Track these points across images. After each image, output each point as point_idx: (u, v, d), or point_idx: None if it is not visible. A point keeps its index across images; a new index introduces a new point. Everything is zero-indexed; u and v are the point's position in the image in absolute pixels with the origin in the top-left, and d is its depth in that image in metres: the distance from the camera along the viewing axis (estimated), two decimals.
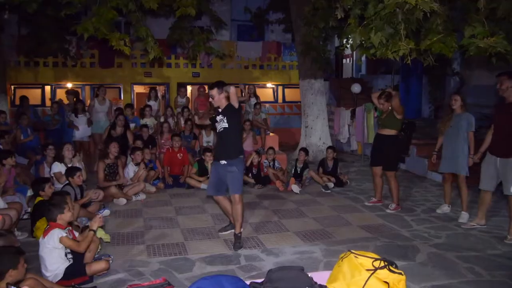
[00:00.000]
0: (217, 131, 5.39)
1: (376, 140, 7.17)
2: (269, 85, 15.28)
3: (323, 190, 8.23)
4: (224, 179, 5.37)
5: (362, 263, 2.65)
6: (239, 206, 5.36)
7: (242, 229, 5.52)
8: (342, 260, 2.75)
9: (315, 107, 11.13)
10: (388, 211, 6.90)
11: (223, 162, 5.28)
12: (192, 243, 5.53)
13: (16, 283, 3.23)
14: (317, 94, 11.12)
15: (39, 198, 5.53)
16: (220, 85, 5.27)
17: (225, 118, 5.24)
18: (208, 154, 8.51)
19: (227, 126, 5.24)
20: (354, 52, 16.81)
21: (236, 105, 5.18)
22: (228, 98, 5.20)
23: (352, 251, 2.77)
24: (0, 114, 9.10)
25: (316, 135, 11.18)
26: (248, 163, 8.56)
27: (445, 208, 6.77)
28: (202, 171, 8.54)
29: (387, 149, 6.88)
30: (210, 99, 5.36)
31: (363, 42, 5.92)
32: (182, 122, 10.04)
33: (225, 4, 15.14)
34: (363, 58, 15.87)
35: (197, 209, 7.12)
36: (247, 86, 12.64)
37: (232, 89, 5.11)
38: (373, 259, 2.66)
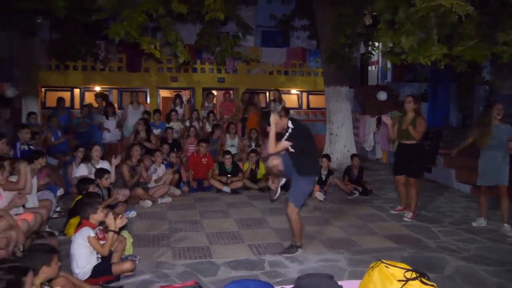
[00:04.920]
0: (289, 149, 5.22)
1: (399, 149, 7.08)
2: (293, 91, 15.26)
3: (349, 197, 8.17)
4: (290, 171, 5.24)
5: (393, 274, 2.61)
6: (293, 220, 5.28)
7: (299, 242, 5.41)
8: (372, 270, 2.71)
9: (340, 114, 11.06)
10: (405, 219, 6.80)
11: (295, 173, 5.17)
12: (217, 247, 5.55)
13: (49, 280, 3.30)
14: (342, 101, 11.05)
15: (79, 197, 5.63)
16: (265, 120, 5.08)
17: (292, 141, 5.09)
18: (228, 156, 8.79)
19: (293, 151, 5.14)
20: (380, 59, 16.69)
21: (281, 130, 5.05)
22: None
23: (382, 260, 2.73)
24: (31, 115, 9.35)
25: (340, 143, 11.10)
26: None
27: (482, 221, 6.57)
28: (223, 173, 8.72)
29: (409, 157, 6.78)
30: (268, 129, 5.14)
31: (393, 48, 5.87)
32: (208, 126, 10.13)
33: (250, 10, 15.21)
34: (390, 65, 15.77)
35: (221, 213, 7.15)
36: (271, 92, 12.67)
37: (272, 118, 4.97)
38: (405, 270, 2.62)
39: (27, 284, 2.57)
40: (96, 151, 7.17)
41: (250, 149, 9.39)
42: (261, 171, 8.90)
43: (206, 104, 11.57)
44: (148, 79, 14.05)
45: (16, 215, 4.87)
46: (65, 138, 9.30)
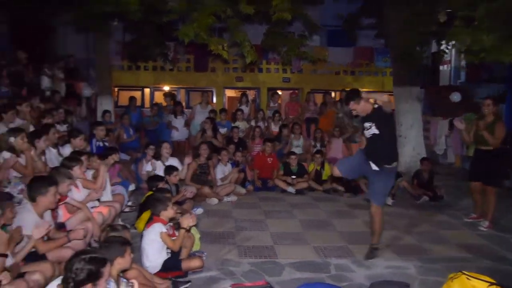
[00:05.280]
0: (367, 136, 5.07)
1: (477, 154, 6.66)
2: (361, 91, 14.89)
3: (417, 201, 7.85)
4: (363, 171, 5.18)
5: (475, 286, 2.45)
6: (377, 219, 5.18)
7: (379, 242, 5.32)
8: (452, 281, 2.57)
9: (409, 115, 10.62)
10: (481, 228, 6.40)
11: (374, 167, 5.00)
12: (281, 248, 5.54)
13: (123, 271, 3.43)
14: (412, 102, 10.60)
15: (150, 193, 5.84)
16: (353, 97, 4.97)
17: (374, 124, 4.93)
18: (293, 157, 8.75)
19: (377, 132, 4.92)
20: (453, 58, 15.85)
21: (387, 110, 4.91)
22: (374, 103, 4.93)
23: (463, 272, 2.57)
24: (105, 114, 9.83)
25: (409, 145, 10.65)
26: None
27: None
28: (287, 174, 8.69)
29: (488, 163, 6.35)
30: (354, 112, 5.10)
31: (471, 46, 5.53)
32: (273, 126, 10.15)
33: (315, 10, 15.00)
34: (464, 64, 14.89)
35: (286, 213, 7.12)
36: (338, 93, 12.41)
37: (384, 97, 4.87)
38: (489, 283, 2.45)
39: (105, 274, 2.67)
40: (166, 148, 7.39)
41: (315, 149, 9.28)
42: (326, 172, 8.76)
43: (272, 104, 11.60)
44: (215, 79, 14.34)
45: (92, 208, 5.11)
46: (136, 136, 9.69)
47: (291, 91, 12.52)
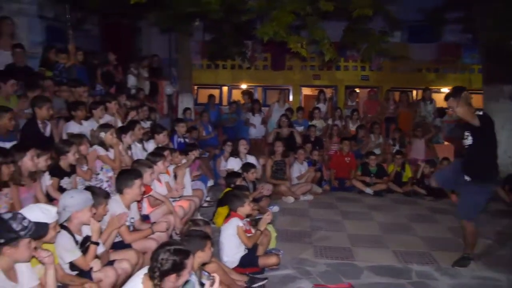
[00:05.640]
0: (465, 145, 4.75)
1: None
2: (444, 89, 14.11)
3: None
4: (458, 181, 4.86)
5: None
6: (468, 232, 4.88)
7: (472, 253, 5.01)
8: None
9: (500, 115, 9.84)
10: None
11: (467, 178, 4.72)
12: (359, 250, 5.40)
13: (202, 265, 3.52)
14: (504, 101, 9.85)
15: (228, 189, 5.97)
16: (454, 93, 4.56)
17: (470, 133, 4.61)
18: (372, 157, 8.55)
19: (471, 143, 4.62)
20: None
21: (475, 122, 4.40)
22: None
23: None
24: (186, 111, 10.18)
25: (500, 147, 9.87)
26: (419, 174, 8.15)
27: None
28: (366, 174, 8.48)
29: None
30: (449, 111, 4.66)
31: None
32: (351, 125, 9.93)
33: (396, 4, 14.38)
34: None
35: (364, 215, 6.93)
36: (420, 91, 11.76)
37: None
38: None
39: (188, 266, 2.75)
40: (243, 145, 7.48)
41: (395, 150, 8.94)
42: (407, 173, 8.42)
43: (349, 103, 11.35)
44: (292, 77, 14.32)
45: (173, 201, 5.30)
46: (214, 133, 9.93)
47: (369, 89, 12.17)
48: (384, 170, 8.59)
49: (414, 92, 14.07)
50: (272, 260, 4.62)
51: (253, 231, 4.67)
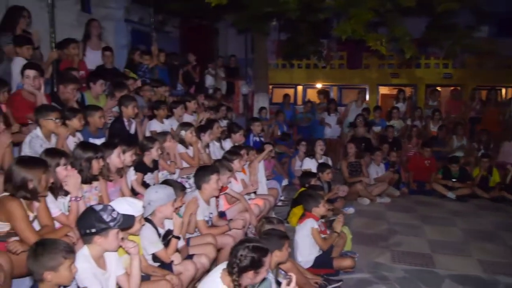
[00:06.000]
0: None
1: None
2: None
3: None
4: None
5: None
6: None
7: None
8: None
9: None
10: None
11: None
12: (440, 257, 5.15)
13: (278, 264, 3.54)
14: None
15: (302, 189, 5.97)
16: None
17: None
18: (455, 165, 8.07)
19: None
20: None
21: None
22: None
23: None
24: (261, 110, 10.29)
25: None
26: (509, 179, 7.66)
27: None
28: (447, 178, 8.05)
29: None
30: None
31: None
32: (431, 125, 9.48)
33: None
34: None
35: (445, 220, 6.59)
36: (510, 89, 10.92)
37: None
38: None
39: (266, 263, 2.77)
40: (320, 145, 7.42)
41: (481, 153, 8.40)
42: (495, 178, 7.88)
43: (430, 102, 10.83)
44: (368, 75, 13.98)
45: (249, 199, 5.38)
46: (289, 132, 9.93)
47: (452, 88, 11.52)
48: (467, 173, 8.09)
49: (503, 90, 13.09)
50: (347, 262, 4.54)
51: (328, 231, 4.61)
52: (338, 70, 14.23)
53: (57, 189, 3.33)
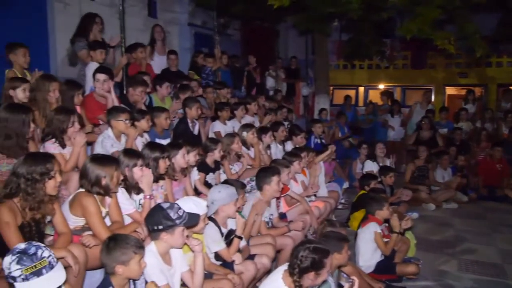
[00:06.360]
0: None
1: None
2: None
3: None
4: None
5: None
6: None
7: None
8: None
9: None
10: None
11: None
12: None
13: (339, 267, 3.50)
14: None
15: (362, 191, 5.88)
16: None
17: None
18: None
19: None
20: None
21: None
22: None
23: None
24: (322, 112, 10.20)
25: None
26: None
27: None
28: None
29: None
30: None
31: None
32: (503, 128, 8.96)
33: None
34: None
35: None
36: None
37: None
38: None
39: (327, 266, 2.76)
40: (380, 148, 7.25)
41: None
42: None
43: (503, 104, 10.23)
44: (434, 75, 13.46)
45: (309, 201, 5.35)
46: (350, 134, 9.78)
47: None
48: None
49: None
50: (411, 268, 4.40)
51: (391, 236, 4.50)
52: (401, 70, 13.83)
53: (131, 187, 3.50)
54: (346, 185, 7.10)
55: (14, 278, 2.10)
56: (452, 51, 6.86)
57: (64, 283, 2.26)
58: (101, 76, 4.94)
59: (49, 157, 2.88)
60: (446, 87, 13.80)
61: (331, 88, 14.03)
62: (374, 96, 12.91)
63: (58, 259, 2.29)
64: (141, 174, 3.46)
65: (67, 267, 2.61)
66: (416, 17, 6.99)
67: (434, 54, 12.53)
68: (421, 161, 7.50)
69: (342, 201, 6.88)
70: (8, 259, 2.13)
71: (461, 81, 13.33)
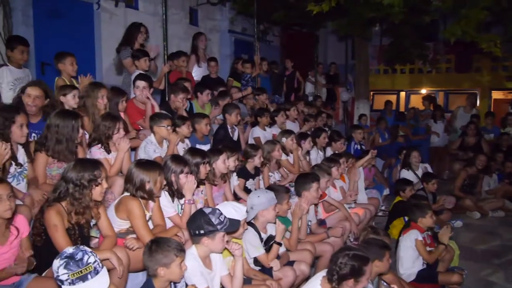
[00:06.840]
0: None
1: None
2: None
3: None
4: None
5: None
6: None
7: None
8: None
9: None
10: None
11: None
12: None
13: (379, 275, 3.46)
14: None
15: (398, 198, 5.77)
16: None
17: None
18: None
19: None
20: None
21: None
22: None
23: None
24: (361, 117, 10.07)
25: None
26: None
27: None
28: None
29: None
30: None
31: None
32: None
33: None
34: None
35: None
36: None
37: None
38: None
39: (367, 272, 2.74)
40: (415, 157, 6.92)
41: None
42: None
43: None
44: (479, 79, 13.05)
45: (348, 208, 5.30)
46: (391, 140, 9.58)
47: None
48: None
49: None
50: (455, 278, 4.27)
51: (435, 244, 4.39)
52: (445, 74, 13.48)
53: (176, 192, 3.60)
54: (386, 191, 6.96)
55: (61, 281, 2.22)
56: (498, 54, 6.63)
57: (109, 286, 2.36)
58: (140, 83, 5.10)
59: (97, 164, 3.00)
60: (492, 91, 13.31)
61: (371, 93, 13.85)
62: (416, 101, 12.62)
63: (102, 260, 2.40)
64: (185, 181, 3.54)
65: (111, 269, 2.72)
66: (461, 20, 6.81)
67: (480, 57, 12.13)
68: (475, 170, 7.22)
69: (383, 208, 6.76)
70: (56, 262, 2.24)
71: (508, 85, 12.84)
